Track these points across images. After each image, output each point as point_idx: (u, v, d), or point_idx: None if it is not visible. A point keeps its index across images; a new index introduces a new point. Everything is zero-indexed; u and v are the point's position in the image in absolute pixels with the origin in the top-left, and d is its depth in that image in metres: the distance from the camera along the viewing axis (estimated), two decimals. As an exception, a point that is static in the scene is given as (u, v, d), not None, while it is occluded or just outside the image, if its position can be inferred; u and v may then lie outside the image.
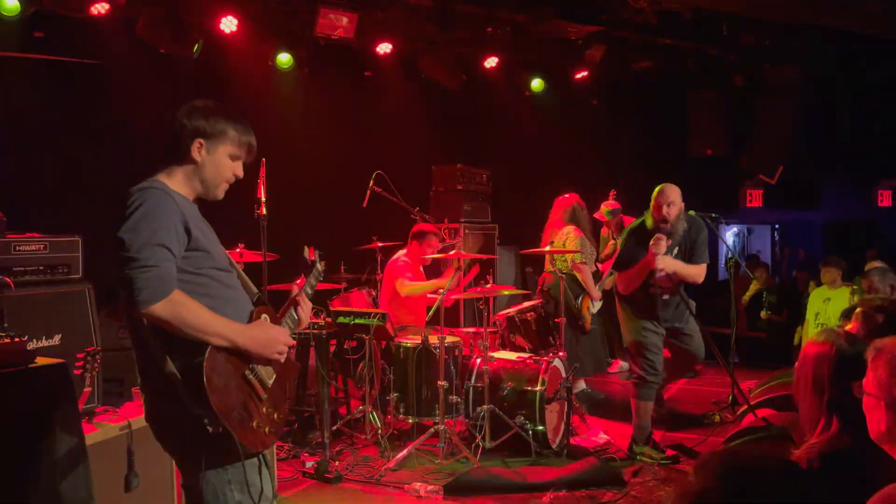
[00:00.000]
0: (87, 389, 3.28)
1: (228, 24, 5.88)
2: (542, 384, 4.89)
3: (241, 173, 2.43)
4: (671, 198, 4.63)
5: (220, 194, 2.42)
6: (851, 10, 6.27)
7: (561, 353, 5.31)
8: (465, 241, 6.96)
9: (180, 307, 2.08)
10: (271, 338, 2.26)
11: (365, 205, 5.92)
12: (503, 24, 6.84)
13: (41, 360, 2.92)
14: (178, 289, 2.11)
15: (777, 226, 11.74)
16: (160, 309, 2.05)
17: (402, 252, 5.74)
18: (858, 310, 3.16)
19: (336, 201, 6.54)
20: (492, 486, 4.27)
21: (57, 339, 4.17)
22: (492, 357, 5.12)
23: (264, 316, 2.36)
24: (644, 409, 4.83)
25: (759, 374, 6.88)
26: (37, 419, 2.79)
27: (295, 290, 2.57)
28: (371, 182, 5.90)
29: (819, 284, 6.77)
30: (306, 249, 2.77)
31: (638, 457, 4.77)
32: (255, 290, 2.50)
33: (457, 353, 5.06)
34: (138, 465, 3.30)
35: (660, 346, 4.84)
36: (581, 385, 6.79)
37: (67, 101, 5.86)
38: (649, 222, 4.71)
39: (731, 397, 5.93)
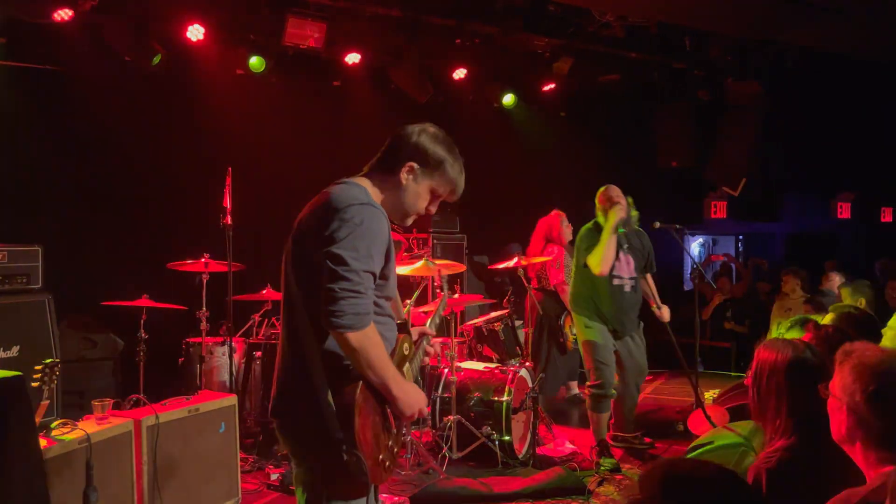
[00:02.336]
0: (45, 402, 3.22)
1: (195, 32, 5.83)
2: (509, 394, 4.91)
3: (433, 210, 2.42)
4: (618, 194, 4.96)
5: (409, 223, 2.40)
6: (810, 27, 6.43)
7: (528, 364, 5.34)
8: (434, 251, 6.97)
9: (369, 343, 2.08)
10: (417, 401, 2.23)
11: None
12: (472, 36, 6.88)
13: (-3, 373, 2.86)
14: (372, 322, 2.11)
15: (741, 237, 11.95)
16: (353, 337, 2.05)
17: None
18: (829, 318, 3.21)
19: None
20: (457, 497, 4.27)
21: (15, 350, 4.10)
22: (459, 367, 5.13)
23: (406, 345, 2.38)
24: (599, 422, 5.00)
25: (723, 382, 7.00)
26: (-9, 433, 2.73)
27: (428, 320, 2.65)
28: (339, 192, 5.87)
29: (778, 293, 6.91)
30: (435, 276, 2.86)
31: (602, 468, 4.81)
32: (402, 313, 2.49)
33: (424, 363, 5.06)
34: (98, 480, 3.24)
35: (611, 359, 5.00)
36: (574, 389, 6.86)
37: (30, 108, 5.76)
38: (601, 219, 4.96)
39: (694, 406, 5.99)
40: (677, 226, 6.03)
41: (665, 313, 5.19)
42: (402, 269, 5.07)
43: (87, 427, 3.33)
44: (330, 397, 2.11)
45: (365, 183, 2.29)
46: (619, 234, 4.89)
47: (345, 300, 2.03)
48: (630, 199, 5.03)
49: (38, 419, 3.10)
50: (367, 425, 2.11)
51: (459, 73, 7.22)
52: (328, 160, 7.02)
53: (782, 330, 6.04)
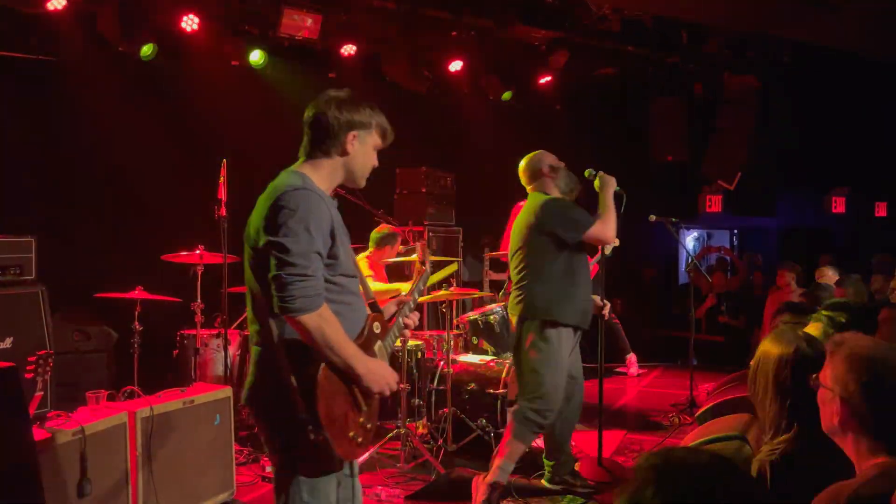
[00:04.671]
0: (39, 394, 3.21)
1: (189, 22, 5.80)
2: (504, 387, 4.91)
3: (377, 163, 2.51)
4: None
5: (363, 183, 2.50)
6: (805, 22, 6.44)
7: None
8: (429, 243, 6.96)
9: (325, 323, 2.16)
10: (384, 376, 2.32)
11: (328, 207, 5.88)
12: (467, 28, 6.86)
13: (-10, 364, 2.84)
14: (325, 303, 2.18)
15: (735, 231, 11.97)
16: (308, 320, 2.13)
17: (363, 254, 5.71)
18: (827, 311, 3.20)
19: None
20: (453, 491, 4.26)
21: (8, 341, 4.08)
22: (454, 360, 5.13)
23: (375, 324, 2.43)
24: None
25: (717, 376, 7.03)
26: (-15, 424, 2.72)
27: (405, 295, 2.68)
28: (335, 184, 5.86)
29: (773, 287, 6.91)
30: (417, 247, 2.89)
31: None
32: (370, 294, 2.55)
33: (419, 355, 5.06)
34: (92, 471, 3.24)
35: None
36: None
37: (23, 99, 5.72)
38: (554, 191, 4.25)
39: (689, 399, 6.02)
40: (672, 219, 6.04)
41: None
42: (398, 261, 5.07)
43: (82, 419, 3.32)
44: (293, 380, 2.18)
45: (305, 169, 2.37)
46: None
47: (292, 284, 2.11)
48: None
49: (31, 411, 3.09)
50: (332, 404, 2.18)
51: (455, 66, 7.20)
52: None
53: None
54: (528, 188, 4.28)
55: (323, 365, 2.17)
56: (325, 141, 2.37)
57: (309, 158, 2.40)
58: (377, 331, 2.43)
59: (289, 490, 2.26)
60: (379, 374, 2.30)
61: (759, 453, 2.14)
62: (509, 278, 4.26)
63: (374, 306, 2.49)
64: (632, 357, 7.74)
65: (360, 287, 2.50)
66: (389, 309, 2.58)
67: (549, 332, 3.95)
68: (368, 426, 2.35)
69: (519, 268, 4.08)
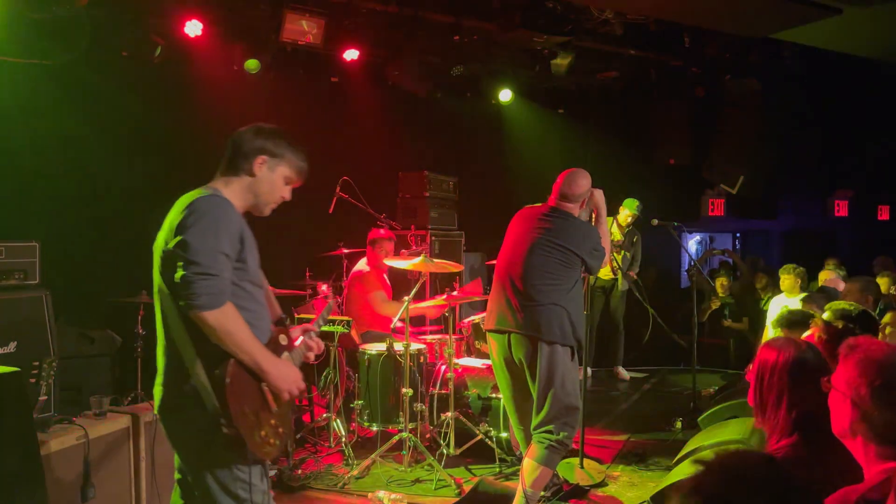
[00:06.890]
0: (43, 398, 3.22)
1: (193, 28, 5.82)
2: (507, 391, 4.91)
3: (288, 197, 2.58)
4: None
5: (268, 212, 2.56)
6: (808, 26, 6.43)
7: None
8: (432, 248, 6.97)
9: (229, 321, 2.23)
10: (291, 377, 2.40)
11: (331, 211, 5.91)
12: (470, 32, 6.87)
13: (-5, 369, 2.86)
14: (230, 301, 2.25)
15: (738, 234, 11.96)
16: (212, 317, 2.20)
17: (363, 260, 5.72)
18: (827, 315, 3.19)
19: (302, 207, 6.46)
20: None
21: (12, 346, 4.08)
22: (457, 364, 5.13)
23: (282, 337, 2.50)
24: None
25: (720, 380, 7.03)
26: (-11, 429, 2.73)
27: (311, 325, 2.72)
28: (337, 188, 5.89)
29: (776, 290, 6.90)
30: (321, 286, 2.97)
31: None
32: (279, 311, 2.64)
33: (421, 360, 5.07)
34: (95, 476, 3.25)
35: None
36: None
37: (27, 103, 5.73)
38: None
39: (692, 403, 6.02)
40: (675, 223, 6.05)
41: None
42: (400, 265, 5.08)
43: (85, 423, 3.33)
44: (205, 379, 2.24)
45: (217, 185, 2.48)
46: None
47: (196, 283, 2.18)
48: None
49: (35, 415, 3.10)
50: (242, 402, 2.25)
51: (457, 70, 7.20)
52: (326, 156, 7.00)
53: (777, 326, 5.96)
54: (559, 201, 3.98)
55: (232, 361, 2.23)
56: (237, 160, 2.48)
57: (221, 176, 2.50)
58: (283, 343, 2.50)
59: (219, 488, 2.29)
60: (285, 372, 2.37)
61: None
62: (513, 282, 3.88)
63: (280, 322, 2.56)
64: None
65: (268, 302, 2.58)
66: (294, 335, 2.63)
67: (573, 356, 3.79)
68: (280, 430, 2.41)
69: (541, 283, 3.75)
